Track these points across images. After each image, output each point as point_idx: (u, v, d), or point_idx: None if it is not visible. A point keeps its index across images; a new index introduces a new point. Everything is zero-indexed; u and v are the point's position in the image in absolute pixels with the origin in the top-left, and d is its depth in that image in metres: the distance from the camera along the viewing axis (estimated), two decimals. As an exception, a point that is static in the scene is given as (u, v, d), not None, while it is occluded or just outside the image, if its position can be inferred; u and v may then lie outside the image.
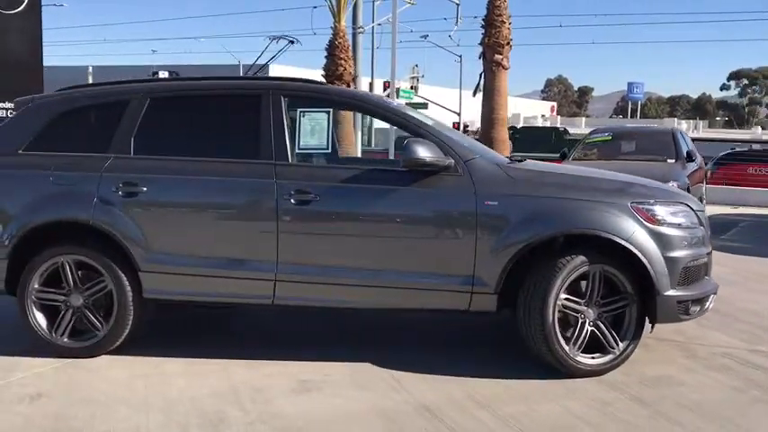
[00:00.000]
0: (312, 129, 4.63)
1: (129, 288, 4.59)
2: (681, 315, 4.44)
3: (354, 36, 18.67)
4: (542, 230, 4.31)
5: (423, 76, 39.67)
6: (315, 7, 23.01)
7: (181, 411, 3.84)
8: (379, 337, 5.27)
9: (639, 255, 4.27)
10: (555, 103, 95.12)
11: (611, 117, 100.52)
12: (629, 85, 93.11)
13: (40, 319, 4.69)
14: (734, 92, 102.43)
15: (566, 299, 4.31)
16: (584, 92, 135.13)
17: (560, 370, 4.33)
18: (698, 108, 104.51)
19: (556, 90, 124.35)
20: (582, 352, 4.36)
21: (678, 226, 4.46)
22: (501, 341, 5.18)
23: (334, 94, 4.74)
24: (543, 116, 68.33)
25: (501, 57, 14.20)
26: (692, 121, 72.83)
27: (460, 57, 46.22)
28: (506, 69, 14.44)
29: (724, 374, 4.48)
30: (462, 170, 4.44)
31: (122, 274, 4.59)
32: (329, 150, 4.70)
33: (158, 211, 4.62)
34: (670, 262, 4.33)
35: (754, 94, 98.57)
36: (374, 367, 4.52)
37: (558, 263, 4.28)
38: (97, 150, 4.75)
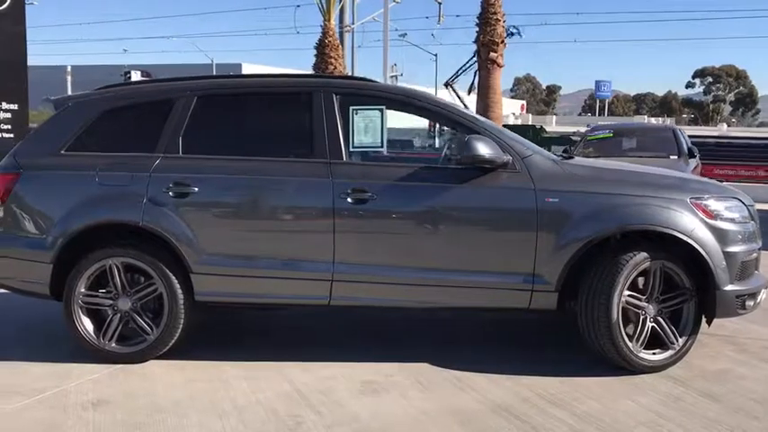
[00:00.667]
0: (366, 126, 4.57)
1: (180, 291, 4.49)
2: (738, 310, 4.47)
3: (341, 35, 18.60)
4: (605, 226, 4.30)
5: (401, 75, 39.73)
6: (298, 6, 22.87)
7: (254, 416, 3.76)
8: (430, 337, 5.22)
9: (701, 250, 4.28)
10: (524, 102, 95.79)
11: (579, 115, 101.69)
12: (597, 83, 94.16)
13: (87, 324, 4.57)
14: (698, 90, 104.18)
15: (629, 295, 4.31)
16: (552, 90, 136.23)
17: (622, 367, 4.33)
18: (664, 106, 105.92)
19: (524, 89, 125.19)
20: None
21: (733, 221, 4.48)
22: (545, 338, 5.17)
23: (387, 91, 4.67)
24: (514, 114, 68.78)
25: (496, 54, 14.26)
26: (660, 118, 73.80)
27: (436, 56, 46.46)
28: (501, 67, 14.50)
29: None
30: (520, 167, 4.41)
31: (173, 277, 4.48)
32: (383, 148, 4.63)
33: (211, 212, 4.52)
34: (728, 257, 4.35)
35: (718, 91, 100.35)
36: (433, 367, 4.47)
37: (621, 259, 4.27)
38: (143, 150, 4.63)
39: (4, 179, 4.72)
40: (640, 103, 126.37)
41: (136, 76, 42.00)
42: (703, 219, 4.36)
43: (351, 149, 4.56)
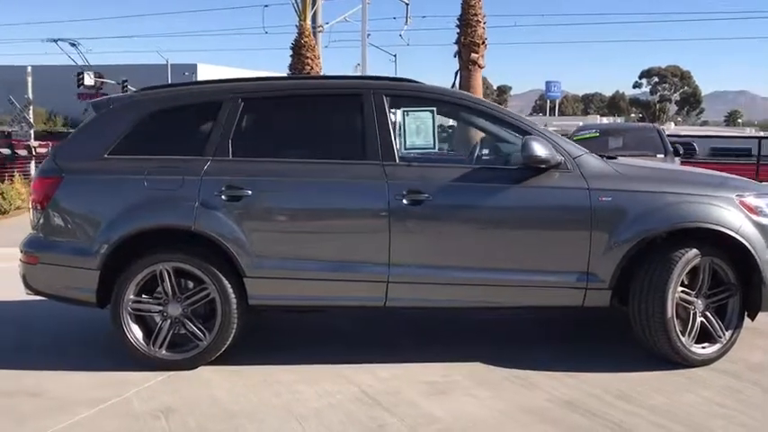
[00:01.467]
0: (417, 128, 4.58)
1: (233, 295, 4.43)
2: (782, 303, 4.60)
3: (315, 35, 18.52)
4: (659, 224, 4.39)
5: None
6: (266, 6, 22.65)
7: (334, 419, 3.74)
8: (474, 337, 5.26)
9: (749, 246, 4.41)
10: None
11: (530, 115, 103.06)
12: (548, 83, 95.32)
13: (137, 331, 4.48)
14: (645, 89, 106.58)
15: (681, 291, 4.42)
16: (503, 90, 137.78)
17: (675, 361, 4.43)
18: (612, 105, 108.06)
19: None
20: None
21: None
22: (584, 335, 5.26)
23: (437, 93, 4.68)
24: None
25: (477, 56, 14.39)
26: (610, 118, 75.34)
27: (395, 56, 46.50)
28: (482, 68, 14.64)
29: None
30: (572, 166, 4.48)
31: (226, 281, 4.42)
32: (435, 149, 4.65)
33: (265, 215, 4.47)
34: None
35: (664, 91, 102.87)
36: (487, 366, 4.51)
37: (674, 256, 4.38)
38: (190, 153, 4.56)
39: (45, 184, 4.59)
40: (588, 102, 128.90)
41: (89, 77, 41.23)
42: (748, 215, 4.49)
43: (403, 151, 4.56)
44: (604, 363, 4.54)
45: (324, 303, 4.59)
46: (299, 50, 16.70)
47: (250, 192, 4.42)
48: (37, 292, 4.71)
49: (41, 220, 4.58)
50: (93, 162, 4.57)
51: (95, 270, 4.45)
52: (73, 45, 44.23)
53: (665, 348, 4.41)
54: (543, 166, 4.40)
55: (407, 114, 4.59)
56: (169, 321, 4.48)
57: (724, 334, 4.54)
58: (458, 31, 14.57)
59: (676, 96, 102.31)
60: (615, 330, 5.29)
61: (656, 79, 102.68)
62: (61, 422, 3.70)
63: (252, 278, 4.44)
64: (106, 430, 3.63)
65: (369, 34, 39.10)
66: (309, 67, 16.36)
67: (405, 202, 4.39)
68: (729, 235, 4.41)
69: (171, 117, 4.69)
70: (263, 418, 3.75)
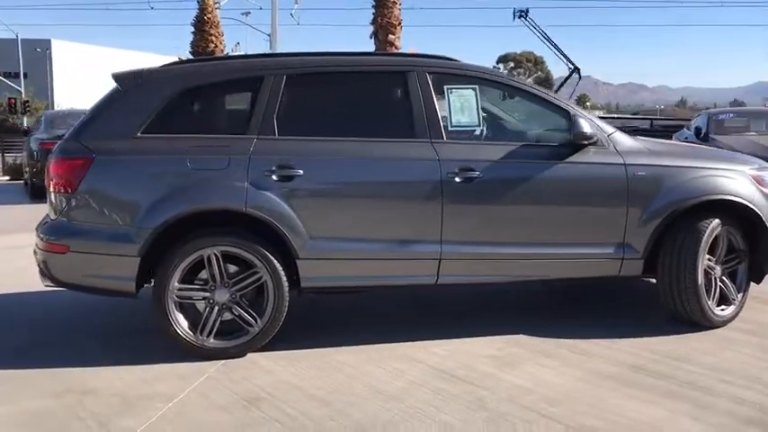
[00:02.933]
0: (462, 106, 4.61)
1: (284, 278, 4.29)
2: (785, 266, 5.05)
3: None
4: (689, 197, 4.68)
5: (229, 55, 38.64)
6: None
7: (428, 396, 3.72)
8: (496, 311, 5.39)
9: (763, 216, 4.81)
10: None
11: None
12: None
13: (182, 320, 4.25)
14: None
15: (707, 258, 4.75)
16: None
17: (701, 324, 4.76)
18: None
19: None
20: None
21: None
22: (602, 304, 5.53)
23: (480, 71, 4.71)
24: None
25: (394, 37, 14.48)
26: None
27: (269, 35, 45.69)
28: (398, 49, 14.72)
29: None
30: (607, 143, 4.68)
31: (278, 264, 4.27)
32: (481, 127, 4.69)
33: (316, 195, 4.35)
34: None
35: (519, 76, 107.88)
36: (533, 338, 4.64)
37: (701, 226, 4.69)
38: (231, 131, 4.37)
39: (72, 165, 4.23)
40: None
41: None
42: (758, 188, 4.89)
43: (449, 129, 4.57)
44: (630, 330, 4.76)
45: (376, 283, 4.55)
46: (202, 27, 16.07)
47: (302, 171, 4.28)
48: (62, 284, 4.34)
49: (69, 205, 4.22)
50: (126, 141, 4.25)
51: (135, 257, 4.16)
52: None
53: (695, 312, 4.72)
54: (586, 142, 4.57)
55: (451, 92, 4.61)
56: (216, 308, 4.27)
57: (737, 296, 4.93)
58: (373, 11, 14.59)
59: (531, 81, 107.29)
60: (612, 300, 5.61)
61: (512, 64, 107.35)
62: (145, 419, 3.47)
63: (305, 260, 4.31)
64: (205, 424, 3.43)
65: (248, 12, 38.23)
66: (213, 45, 15.83)
67: (457, 179, 4.42)
68: (746, 205, 4.78)
69: (208, 93, 4.45)
70: (356, 400, 3.68)
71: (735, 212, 4.84)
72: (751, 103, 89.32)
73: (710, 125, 11.67)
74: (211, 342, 4.27)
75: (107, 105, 4.41)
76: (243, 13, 36.69)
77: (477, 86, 4.65)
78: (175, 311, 4.23)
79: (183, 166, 4.21)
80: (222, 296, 4.28)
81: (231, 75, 4.50)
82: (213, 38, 15.72)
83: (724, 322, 4.85)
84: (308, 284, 4.38)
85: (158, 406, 3.61)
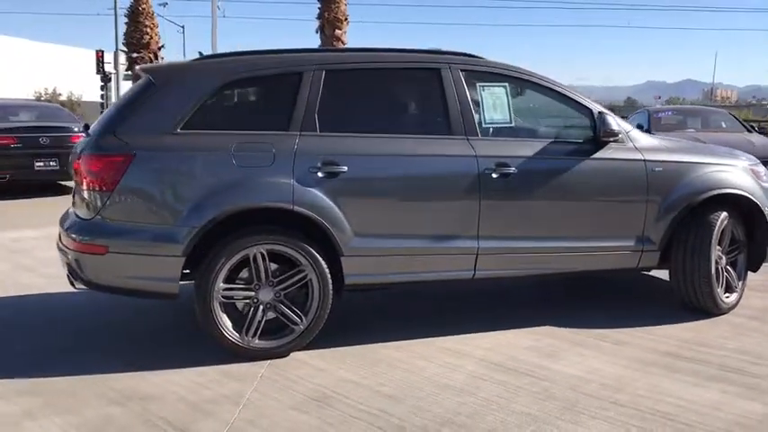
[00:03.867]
0: (493, 103, 4.70)
1: (329, 276, 4.27)
2: (778, 255, 5.41)
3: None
4: (701, 191, 4.94)
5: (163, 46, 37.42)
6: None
7: (496, 389, 3.80)
8: (516, 303, 5.52)
9: (765, 209, 5.14)
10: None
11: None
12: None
13: (226, 321, 4.16)
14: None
15: (718, 249, 5.03)
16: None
17: (710, 311, 5.05)
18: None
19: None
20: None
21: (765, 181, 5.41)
22: (607, 297, 5.76)
23: (510, 69, 4.79)
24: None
25: (341, 32, 14.43)
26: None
27: (183, 27, 44.61)
28: (344, 44, 14.68)
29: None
30: (626, 139, 4.88)
31: (323, 262, 4.24)
32: (511, 124, 4.78)
33: (362, 192, 4.34)
34: None
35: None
36: (560, 329, 4.79)
37: (712, 219, 4.97)
38: (273, 128, 4.29)
39: (110, 162, 4.06)
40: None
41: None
42: (758, 182, 5.23)
43: (483, 126, 4.66)
44: (644, 320, 4.95)
45: (416, 279, 4.57)
46: (137, 18, 15.53)
47: (346, 168, 4.26)
48: (97, 287, 4.16)
49: (107, 204, 4.04)
50: (166, 138, 4.12)
51: (180, 257, 4.04)
52: None
53: (707, 300, 5.00)
54: (612, 139, 4.76)
55: (483, 89, 4.69)
56: (261, 308, 4.20)
57: (738, 284, 5.25)
58: (319, 6, 14.48)
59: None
60: (614, 292, 5.86)
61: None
62: (223, 422, 3.39)
63: (349, 257, 4.30)
64: (286, 424, 3.38)
65: (166, 3, 37.16)
66: (149, 36, 15.33)
67: (494, 175, 4.51)
68: (749, 198, 5.09)
69: (248, 88, 4.37)
70: (427, 395, 3.71)
71: (737, 205, 5.15)
72: (643, 100, 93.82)
73: (651, 122, 12.27)
74: (257, 342, 4.20)
75: (140, 99, 4.25)
76: (160, 4, 35.72)
77: (506, 84, 4.76)
78: (220, 312, 4.13)
79: (228, 164, 4.11)
80: (267, 295, 4.21)
81: (270, 70, 4.41)
82: (149, 29, 15.21)
83: (729, 309, 5.15)
84: (351, 281, 4.37)
85: (229, 409, 3.54)
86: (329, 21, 14.29)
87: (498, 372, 4.04)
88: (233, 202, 4.09)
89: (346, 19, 14.60)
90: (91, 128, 4.55)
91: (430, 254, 4.48)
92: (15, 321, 5.00)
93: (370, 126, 4.49)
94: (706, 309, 5.06)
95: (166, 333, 4.73)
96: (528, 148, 4.69)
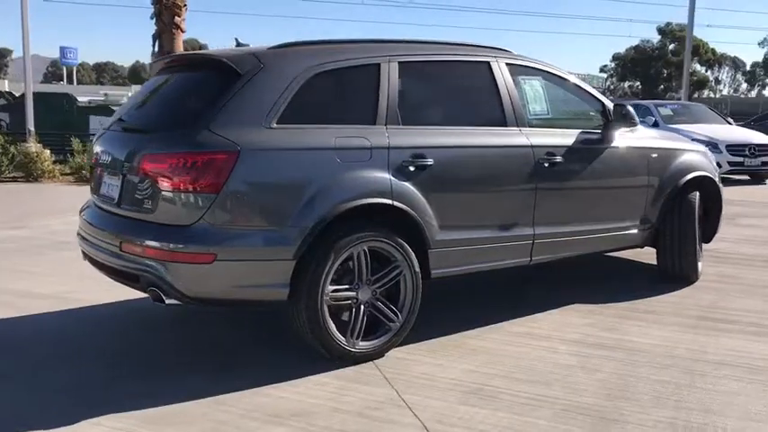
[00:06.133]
0: (534, 95, 4.93)
1: (419, 270, 4.23)
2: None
3: None
4: (685, 174, 5.60)
5: None
6: None
7: (589, 377, 4.01)
8: (521, 288, 5.79)
9: (721, 187, 5.96)
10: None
11: (41, 82, 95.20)
12: (62, 49, 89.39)
13: (331, 325, 3.96)
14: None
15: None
16: (3, 54, 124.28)
17: (690, 280, 5.76)
18: (134, 75, 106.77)
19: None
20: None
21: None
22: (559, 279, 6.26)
23: (544, 65, 5.01)
24: None
25: (180, 19, 13.58)
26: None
27: None
28: (184, 32, 13.85)
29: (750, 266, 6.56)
30: (635, 129, 5.40)
31: (414, 256, 4.20)
32: (550, 116, 5.02)
33: (446, 184, 4.33)
34: None
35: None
36: (590, 305, 5.18)
37: (692, 197, 5.66)
38: (360, 121, 4.13)
39: (213, 161, 3.65)
40: (101, 72, 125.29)
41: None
42: (713, 164, 6.05)
43: (528, 117, 4.86)
44: (642, 291, 5.53)
45: (487, 268, 4.65)
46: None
47: (431, 161, 4.24)
48: (198, 300, 3.71)
49: (212, 207, 3.62)
50: (266, 133, 3.78)
51: (291, 260, 3.76)
52: None
53: (690, 269, 5.70)
54: (629, 130, 5.24)
55: (524, 83, 4.90)
56: (362, 308, 4.05)
57: (702, 254, 6.04)
58: (155, -9, 13.47)
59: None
60: (595, 271, 6.42)
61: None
62: (415, 423, 3.27)
63: (435, 250, 4.30)
64: (486, 419, 3.35)
65: None
66: None
67: (546, 165, 4.75)
68: (712, 179, 5.88)
69: (333, 80, 4.12)
70: (564, 377, 3.84)
71: (702, 185, 5.89)
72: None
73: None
74: (361, 344, 4.05)
75: (226, 91, 3.83)
76: None
77: (541, 77, 5.01)
78: (328, 316, 3.91)
79: (332, 160, 3.89)
80: (365, 294, 4.07)
81: (353, 61, 4.19)
82: None
83: (700, 274, 5.91)
84: (437, 274, 4.36)
85: (400, 412, 3.40)
86: (168, 7, 13.32)
87: (593, 348, 4.31)
88: (342, 199, 3.88)
89: (185, 5, 13.74)
90: (150, 122, 4.05)
91: (498, 243, 4.61)
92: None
93: (441, 118, 4.51)
94: (687, 277, 5.75)
95: (225, 341, 4.33)
96: (566, 138, 4.99)
